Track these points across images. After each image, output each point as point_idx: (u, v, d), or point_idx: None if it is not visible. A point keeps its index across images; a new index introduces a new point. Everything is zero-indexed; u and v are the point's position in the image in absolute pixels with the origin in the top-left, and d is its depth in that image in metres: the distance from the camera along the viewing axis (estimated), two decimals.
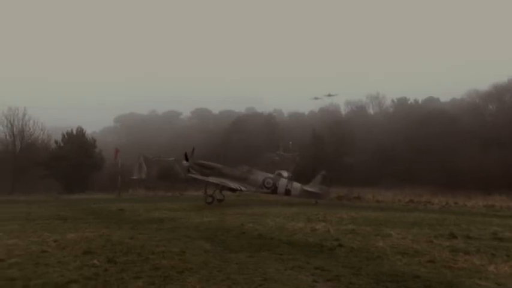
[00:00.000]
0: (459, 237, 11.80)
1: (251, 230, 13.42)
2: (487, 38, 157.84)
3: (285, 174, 61.54)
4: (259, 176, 26.84)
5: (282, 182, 26.85)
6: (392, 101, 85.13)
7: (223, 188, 26.38)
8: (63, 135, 55.67)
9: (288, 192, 26.64)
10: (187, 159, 26.96)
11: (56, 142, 55.68)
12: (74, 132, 55.91)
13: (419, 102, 79.66)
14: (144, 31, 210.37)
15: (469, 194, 33.27)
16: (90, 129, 63.16)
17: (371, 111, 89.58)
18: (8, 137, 55.09)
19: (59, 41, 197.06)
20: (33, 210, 21.16)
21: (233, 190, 26.66)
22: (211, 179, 25.46)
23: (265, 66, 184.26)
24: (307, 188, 27.26)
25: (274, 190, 26.54)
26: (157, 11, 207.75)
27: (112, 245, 10.27)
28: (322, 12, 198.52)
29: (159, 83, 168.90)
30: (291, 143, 77.65)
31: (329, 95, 78.68)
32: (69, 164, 49.98)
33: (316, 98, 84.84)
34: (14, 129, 55.00)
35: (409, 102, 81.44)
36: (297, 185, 27.04)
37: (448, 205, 27.31)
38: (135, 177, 38.66)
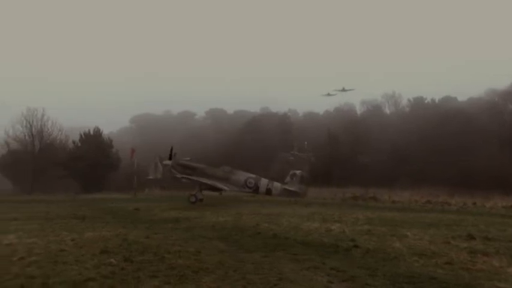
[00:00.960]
0: (477, 238, 11.59)
1: (266, 230, 13.42)
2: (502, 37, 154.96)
3: (300, 174, 61.29)
4: (241, 176, 27.42)
5: (263, 182, 27.44)
6: (409, 100, 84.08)
7: (204, 187, 26.86)
8: (81, 136, 56.48)
9: (269, 191, 27.25)
10: (170, 158, 27.34)
11: (74, 142, 56.49)
12: (91, 132, 56.66)
13: (436, 101, 78.58)
14: (157, 31, 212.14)
15: (487, 195, 32.66)
16: (106, 130, 64.04)
17: (387, 110, 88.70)
18: (27, 137, 56.08)
19: (73, 42, 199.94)
20: (51, 210, 21.52)
21: (218, 190, 27.12)
22: (205, 180, 26.01)
23: (279, 66, 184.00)
24: (287, 187, 27.80)
25: (256, 190, 27.14)
26: (168, 9, 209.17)
27: (128, 244, 10.38)
28: (334, 12, 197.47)
29: (174, 83, 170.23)
30: (306, 143, 77.38)
31: (343, 90, 75.20)
32: (86, 164, 50.68)
33: (328, 95, 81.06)
34: (33, 129, 55.98)
35: (425, 101, 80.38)
36: (277, 184, 27.71)
37: (466, 206, 26.86)
38: (150, 177, 39.02)
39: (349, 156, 58.49)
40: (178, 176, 26.34)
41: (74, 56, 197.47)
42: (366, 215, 18.18)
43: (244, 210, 21.20)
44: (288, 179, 28.56)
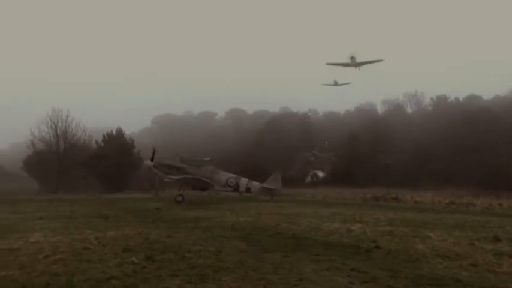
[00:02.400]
0: (504, 240, 11.30)
1: (286, 230, 13.39)
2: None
3: (321, 174, 60.88)
4: (223, 176, 28.58)
5: (243, 181, 28.71)
6: (432, 99, 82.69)
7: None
8: (104, 136, 57.37)
9: (248, 190, 28.58)
10: (152, 159, 27.89)
11: (97, 142, 57.45)
12: (114, 133, 57.52)
13: (460, 100, 77.00)
14: (175, 32, 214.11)
15: None
16: (128, 130, 64.92)
17: (409, 109, 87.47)
18: (52, 137, 57.26)
19: (95, 44, 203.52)
20: (75, 209, 21.94)
21: (203, 189, 28.46)
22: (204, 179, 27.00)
23: (299, 65, 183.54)
24: (265, 185, 29.15)
25: (236, 188, 28.45)
26: (187, 11, 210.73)
27: (150, 243, 10.52)
28: (354, 12, 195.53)
29: (194, 83, 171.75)
30: (326, 142, 77.05)
31: (336, 84, 62.15)
32: (109, 164, 51.41)
33: (331, 85, 67.62)
34: (58, 130, 57.11)
35: (449, 100, 78.87)
36: (256, 183, 29.02)
37: (492, 207, 26.18)
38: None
39: (370, 156, 57.82)
40: (159, 175, 27.45)
41: (97, 58, 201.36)
42: (388, 216, 17.94)
43: (263, 210, 21.19)
44: (270, 178, 29.86)
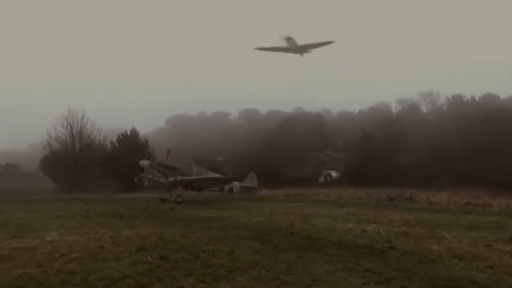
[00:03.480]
0: None
1: (300, 230, 13.35)
2: None
3: (334, 174, 60.65)
4: (210, 175, 29.76)
5: None
6: (447, 98, 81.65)
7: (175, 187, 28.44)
8: (118, 136, 57.99)
9: (231, 190, 30.61)
10: (148, 159, 28.56)
11: (111, 143, 58.07)
12: (128, 133, 58.08)
13: (476, 99, 75.88)
14: (188, 32, 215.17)
15: None
16: (143, 131, 65.49)
17: (423, 109, 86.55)
18: (67, 138, 58.09)
19: (110, 45, 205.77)
20: (90, 208, 22.21)
21: (198, 189, 29.48)
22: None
23: (312, 64, 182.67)
24: (244, 184, 31.78)
25: (221, 189, 30.09)
26: (199, 10, 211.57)
27: (164, 242, 10.58)
28: (368, 12, 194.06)
29: (208, 84, 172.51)
30: (340, 142, 76.63)
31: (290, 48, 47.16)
32: (124, 164, 51.90)
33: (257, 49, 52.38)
34: (73, 130, 57.91)
35: (465, 99, 77.80)
36: (237, 183, 31.43)
37: (509, 207, 25.66)
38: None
39: (385, 156, 57.35)
40: (155, 175, 28.15)
41: (111, 58, 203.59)
42: (402, 216, 17.76)
43: (277, 210, 21.17)
44: (248, 177, 32.37)
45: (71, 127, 57.85)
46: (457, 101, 78.07)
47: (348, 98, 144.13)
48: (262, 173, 50.11)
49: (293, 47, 46.38)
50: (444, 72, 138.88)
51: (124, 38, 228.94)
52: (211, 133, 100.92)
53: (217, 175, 30.07)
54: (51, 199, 33.51)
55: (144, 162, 28.42)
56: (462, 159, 50.68)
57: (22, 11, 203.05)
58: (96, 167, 54.27)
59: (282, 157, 66.68)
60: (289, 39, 45.05)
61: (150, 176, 28.14)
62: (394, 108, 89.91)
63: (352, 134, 70.72)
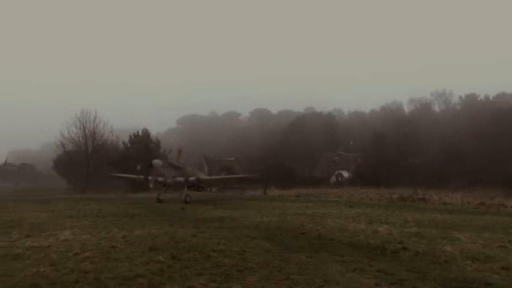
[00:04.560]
0: None
1: (311, 230, 13.31)
2: None
3: (346, 174, 60.63)
4: (199, 175, 30.75)
5: None
6: (460, 97, 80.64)
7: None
8: (130, 137, 58.39)
9: (211, 188, 33.27)
10: (160, 158, 28.74)
11: (124, 143, 58.50)
12: (140, 133, 58.46)
13: (490, 98, 74.87)
14: (201, 33, 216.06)
15: None
16: (154, 131, 65.90)
17: (436, 108, 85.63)
18: (80, 138, 58.65)
19: (126, 46, 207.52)
20: (103, 208, 22.40)
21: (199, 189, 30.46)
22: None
23: (325, 64, 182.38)
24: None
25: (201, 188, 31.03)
26: (210, 11, 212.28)
27: (176, 242, 10.63)
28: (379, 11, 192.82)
29: (220, 84, 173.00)
30: (351, 142, 76.21)
31: None
32: (136, 164, 52.16)
33: None
34: (86, 131, 58.43)
35: (478, 98, 76.81)
36: None
37: None
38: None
39: (397, 156, 56.86)
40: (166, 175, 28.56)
41: (126, 59, 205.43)
42: (415, 217, 17.61)
43: (288, 210, 21.14)
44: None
45: (84, 127, 58.38)
46: (470, 101, 77.10)
47: (359, 97, 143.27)
48: (274, 173, 50.22)
49: None
50: (457, 70, 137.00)
51: (135, 38, 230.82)
52: (223, 133, 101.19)
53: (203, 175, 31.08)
54: (64, 199, 33.87)
55: (157, 161, 28.42)
56: (476, 159, 50.03)
57: (22, 11, 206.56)
58: (109, 167, 54.68)
59: (293, 157, 66.51)
60: None
61: (156, 177, 28.09)
62: (407, 108, 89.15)
63: (364, 134, 70.27)
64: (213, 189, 33.76)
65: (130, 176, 32.63)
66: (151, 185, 28.80)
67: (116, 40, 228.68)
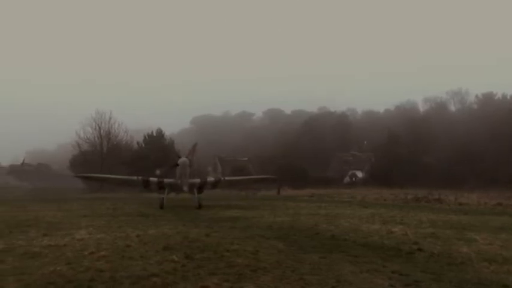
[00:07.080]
0: None
1: (324, 230, 13.25)
2: None
3: (360, 174, 60.24)
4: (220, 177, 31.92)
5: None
6: (476, 96, 79.27)
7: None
8: (145, 137, 58.88)
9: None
10: (186, 157, 27.73)
11: (138, 143, 59.01)
12: (154, 133, 58.89)
13: (508, 97, 73.51)
14: (217, 34, 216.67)
15: None
16: (168, 131, 66.24)
17: (452, 108, 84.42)
18: (96, 138, 59.38)
19: (143, 48, 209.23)
20: (117, 207, 22.64)
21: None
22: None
23: (338, 63, 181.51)
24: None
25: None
26: (220, 12, 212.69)
27: (189, 241, 10.70)
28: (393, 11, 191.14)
29: (233, 84, 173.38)
30: (365, 142, 75.60)
31: None
32: (149, 164, 52.54)
33: None
34: (102, 131, 59.13)
35: (495, 97, 75.47)
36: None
37: None
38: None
39: (411, 156, 56.23)
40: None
41: (126, 59, 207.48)
42: (430, 218, 17.41)
43: (302, 210, 21.09)
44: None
45: (99, 128, 59.07)
46: (487, 99, 75.81)
47: (373, 96, 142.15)
48: (287, 173, 50.08)
49: None
50: (460, 70, 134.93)
51: (135, 38, 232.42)
52: (236, 133, 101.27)
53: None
54: (80, 198, 34.31)
55: (185, 160, 26.94)
56: (493, 159, 49.23)
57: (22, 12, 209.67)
58: (123, 167, 55.19)
59: (305, 157, 66.26)
60: None
61: (161, 178, 26.74)
62: (422, 107, 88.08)
63: (378, 133, 69.64)
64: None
65: (119, 176, 29.57)
66: (153, 187, 26.65)
67: (116, 40, 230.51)
